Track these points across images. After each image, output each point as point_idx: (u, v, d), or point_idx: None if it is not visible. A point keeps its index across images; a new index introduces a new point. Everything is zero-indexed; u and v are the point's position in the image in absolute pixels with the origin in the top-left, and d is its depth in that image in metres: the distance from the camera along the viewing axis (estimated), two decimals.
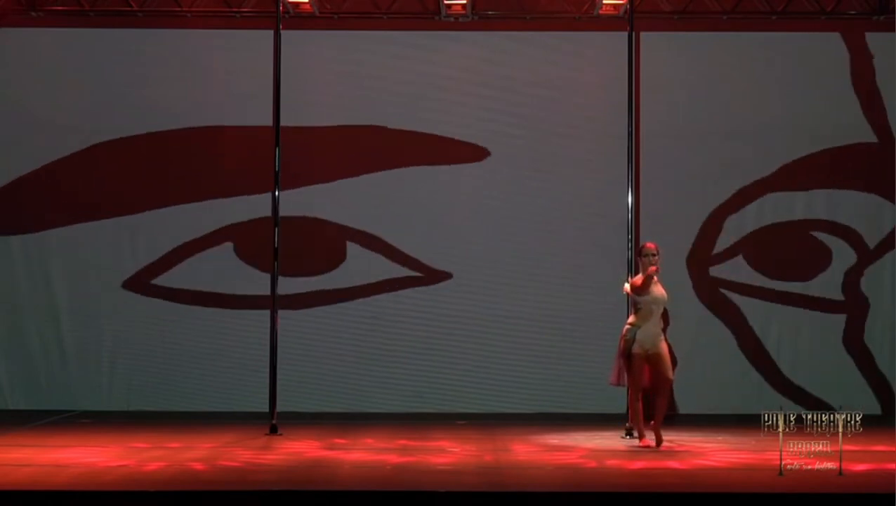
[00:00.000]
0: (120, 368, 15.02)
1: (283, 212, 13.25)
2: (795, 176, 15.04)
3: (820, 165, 15.05)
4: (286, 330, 13.56)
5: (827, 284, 15.04)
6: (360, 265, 14.99)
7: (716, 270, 15.05)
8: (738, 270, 15.03)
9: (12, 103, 15.07)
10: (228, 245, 15.00)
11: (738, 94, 15.07)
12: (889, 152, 14.91)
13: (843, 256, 15.06)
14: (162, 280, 15.01)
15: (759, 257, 15.03)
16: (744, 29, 15.10)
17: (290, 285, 14.44)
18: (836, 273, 15.04)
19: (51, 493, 9.21)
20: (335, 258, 15.03)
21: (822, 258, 15.07)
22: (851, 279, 15.05)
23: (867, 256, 15.05)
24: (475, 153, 15.07)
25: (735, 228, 15.04)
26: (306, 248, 14.87)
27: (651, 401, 11.80)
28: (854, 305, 15.07)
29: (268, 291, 13.20)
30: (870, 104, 15.05)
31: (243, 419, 13.68)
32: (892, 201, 14.95)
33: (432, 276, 14.99)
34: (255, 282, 14.67)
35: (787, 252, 15.04)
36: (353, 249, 15.01)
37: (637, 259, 12.07)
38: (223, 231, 15.00)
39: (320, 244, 15.01)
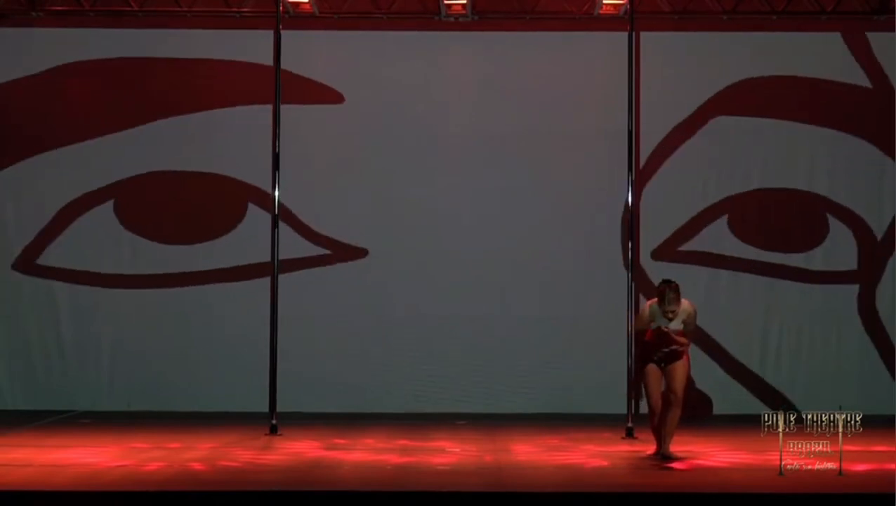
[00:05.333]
0: (120, 368, 15.01)
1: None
2: (795, 174, 15.07)
3: (820, 162, 15.08)
4: (287, 328, 13.51)
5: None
6: (359, 263, 15.02)
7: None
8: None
9: (12, 102, 15.06)
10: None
11: (737, 94, 15.05)
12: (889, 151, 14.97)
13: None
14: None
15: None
16: (744, 29, 15.10)
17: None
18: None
19: (51, 493, 9.22)
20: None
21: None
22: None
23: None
24: (473, 153, 15.07)
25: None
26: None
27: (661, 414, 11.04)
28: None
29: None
30: (869, 100, 15.08)
31: (243, 419, 13.68)
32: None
33: (431, 275, 14.98)
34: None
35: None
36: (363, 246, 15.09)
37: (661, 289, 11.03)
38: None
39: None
